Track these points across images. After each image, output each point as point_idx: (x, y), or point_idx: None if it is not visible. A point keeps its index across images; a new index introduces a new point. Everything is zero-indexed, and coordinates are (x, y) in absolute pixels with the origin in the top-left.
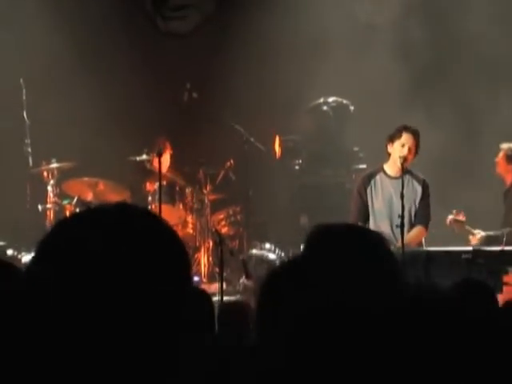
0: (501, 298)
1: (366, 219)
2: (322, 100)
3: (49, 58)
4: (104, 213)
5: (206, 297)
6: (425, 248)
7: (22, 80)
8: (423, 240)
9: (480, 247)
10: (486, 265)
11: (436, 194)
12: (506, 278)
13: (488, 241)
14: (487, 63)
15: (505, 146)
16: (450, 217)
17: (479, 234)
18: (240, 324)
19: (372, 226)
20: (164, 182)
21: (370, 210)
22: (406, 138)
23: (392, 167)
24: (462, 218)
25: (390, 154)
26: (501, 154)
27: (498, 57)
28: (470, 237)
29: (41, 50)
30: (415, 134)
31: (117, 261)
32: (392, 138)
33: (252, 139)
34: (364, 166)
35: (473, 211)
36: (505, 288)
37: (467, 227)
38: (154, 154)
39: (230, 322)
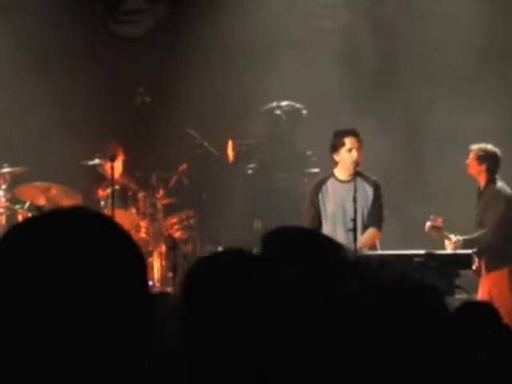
0: None
1: (319, 225)
2: (274, 104)
3: None
4: (57, 217)
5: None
6: (377, 251)
7: None
8: (377, 243)
9: (432, 251)
10: (438, 268)
11: (387, 199)
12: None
13: (465, 245)
14: (436, 68)
15: (475, 147)
16: (428, 223)
17: (455, 238)
18: None
19: (327, 230)
20: (117, 187)
21: (324, 215)
22: (349, 142)
23: (342, 171)
24: (439, 223)
25: (337, 162)
26: (471, 156)
27: (447, 62)
28: (446, 242)
29: None
30: (355, 134)
31: (70, 265)
32: (336, 147)
33: (205, 143)
34: (317, 170)
35: (425, 217)
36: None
37: (445, 233)
38: (107, 159)
39: None
